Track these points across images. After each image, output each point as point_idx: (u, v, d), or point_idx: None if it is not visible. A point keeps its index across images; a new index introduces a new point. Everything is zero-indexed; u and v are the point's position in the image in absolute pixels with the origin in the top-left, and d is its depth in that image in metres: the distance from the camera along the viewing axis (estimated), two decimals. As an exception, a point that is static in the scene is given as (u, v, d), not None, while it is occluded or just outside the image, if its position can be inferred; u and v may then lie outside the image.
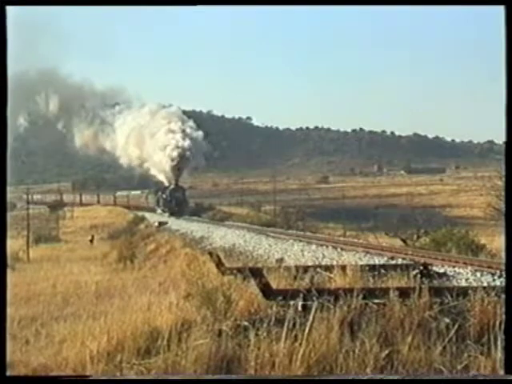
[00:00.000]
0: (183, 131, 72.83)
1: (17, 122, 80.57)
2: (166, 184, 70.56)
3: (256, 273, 9.59)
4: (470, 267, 13.64)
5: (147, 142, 76.82)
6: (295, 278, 11.00)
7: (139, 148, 79.05)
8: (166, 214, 60.63)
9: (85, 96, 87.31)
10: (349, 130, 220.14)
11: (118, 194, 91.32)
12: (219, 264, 12.42)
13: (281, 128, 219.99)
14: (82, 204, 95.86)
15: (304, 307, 8.67)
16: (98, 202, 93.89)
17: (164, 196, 66.46)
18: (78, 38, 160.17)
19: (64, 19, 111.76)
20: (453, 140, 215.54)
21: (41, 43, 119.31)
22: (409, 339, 7.67)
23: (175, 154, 69.56)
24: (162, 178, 74.67)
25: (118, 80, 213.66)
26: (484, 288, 8.86)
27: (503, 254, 8.51)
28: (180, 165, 69.30)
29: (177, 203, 63.58)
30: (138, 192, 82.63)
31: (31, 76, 77.17)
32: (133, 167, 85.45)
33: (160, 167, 73.55)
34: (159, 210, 66.28)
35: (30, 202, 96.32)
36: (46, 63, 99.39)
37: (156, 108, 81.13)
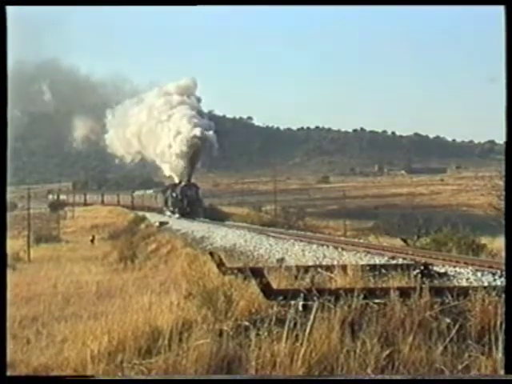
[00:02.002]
0: (200, 114, 63.95)
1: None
2: (176, 181, 62.22)
3: (257, 273, 9.57)
4: (470, 267, 13.61)
5: (154, 131, 67.10)
6: (296, 277, 10.97)
7: (146, 138, 69.96)
8: (176, 216, 53.95)
9: (86, 91, 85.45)
10: (350, 130, 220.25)
11: (136, 193, 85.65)
12: (220, 264, 12.39)
13: (281, 128, 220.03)
14: (103, 204, 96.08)
15: (305, 307, 8.66)
16: (118, 202, 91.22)
17: (174, 194, 57.74)
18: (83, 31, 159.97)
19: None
20: (454, 140, 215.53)
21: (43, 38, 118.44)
22: (410, 339, 7.66)
23: (189, 142, 59.50)
24: (171, 173, 66.10)
25: (118, 75, 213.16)
26: (485, 288, 8.84)
27: (504, 254, 8.50)
28: (195, 155, 59.43)
29: (189, 203, 55.38)
30: (151, 191, 75.55)
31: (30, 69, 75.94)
32: (138, 162, 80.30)
33: (170, 160, 64.16)
34: (167, 211, 58.33)
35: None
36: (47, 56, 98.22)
37: (162, 95, 70.42)
